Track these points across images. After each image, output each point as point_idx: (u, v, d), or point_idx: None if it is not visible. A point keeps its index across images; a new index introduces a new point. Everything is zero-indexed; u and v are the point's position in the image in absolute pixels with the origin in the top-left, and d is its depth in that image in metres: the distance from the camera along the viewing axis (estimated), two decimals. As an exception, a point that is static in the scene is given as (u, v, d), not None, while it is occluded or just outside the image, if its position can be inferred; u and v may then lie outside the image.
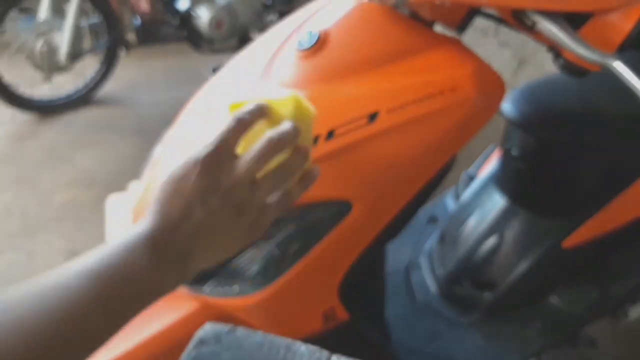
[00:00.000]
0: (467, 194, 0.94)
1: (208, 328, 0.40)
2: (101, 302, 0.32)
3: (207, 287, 0.59)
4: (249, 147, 0.36)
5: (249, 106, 0.37)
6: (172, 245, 0.34)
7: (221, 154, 0.35)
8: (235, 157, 0.36)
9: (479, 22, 0.63)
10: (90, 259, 0.33)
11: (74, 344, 0.31)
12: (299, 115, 0.38)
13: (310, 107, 0.39)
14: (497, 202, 0.87)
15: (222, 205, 0.35)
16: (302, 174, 0.39)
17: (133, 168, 1.85)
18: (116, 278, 0.32)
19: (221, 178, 0.35)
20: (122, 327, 0.33)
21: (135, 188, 0.74)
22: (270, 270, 0.57)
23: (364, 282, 0.65)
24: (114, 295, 0.32)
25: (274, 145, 0.36)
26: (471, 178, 0.99)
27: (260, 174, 0.36)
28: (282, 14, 2.13)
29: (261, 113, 0.37)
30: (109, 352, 0.61)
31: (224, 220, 0.35)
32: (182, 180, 0.35)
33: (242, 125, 0.36)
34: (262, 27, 2.16)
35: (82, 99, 2.17)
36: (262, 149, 0.35)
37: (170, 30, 2.19)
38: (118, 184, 1.67)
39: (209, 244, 0.35)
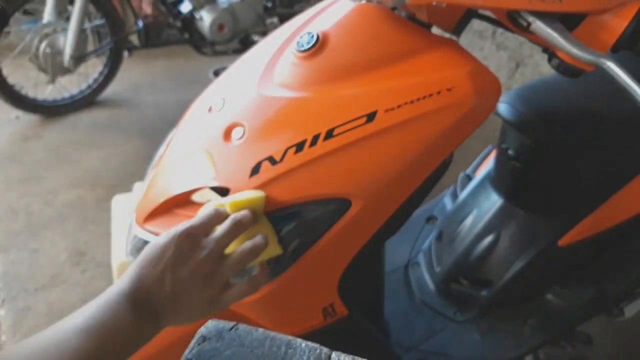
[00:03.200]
0: (465, 193, 0.95)
1: (210, 325, 0.41)
2: (93, 354, 0.37)
3: (209, 284, 0.60)
4: None
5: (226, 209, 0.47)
6: (147, 305, 0.41)
7: (197, 233, 0.43)
8: (205, 241, 0.44)
9: (476, 24, 0.64)
10: (80, 316, 0.38)
11: None
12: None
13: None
14: (494, 201, 0.88)
15: (190, 276, 0.42)
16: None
17: (137, 169, 1.88)
18: (103, 332, 0.38)
19: (194, 254, 0.42)
20: None
21: (140, 189, 0.75)
22: (271, 267, 0.58)
23: (363, 278, 0.66)
24: (103, 348, 0.37)
25: (249, 253, 0.45)
26: (469, 178, 1.00)
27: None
28: (283, 17, 2.14)
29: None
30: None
31: (190, 290, 0.42)
32: (161, 251, 0.42)
33: (217, 219, 0.45)
34: (263, 30, 2.18)
35: (85, 101, 2.19)
36: (240, 255, 0.44)
37: (173, 32, 2.21)
38: (122, 184, 1.69)
39: (176, 308, 0.42)
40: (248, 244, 0.46)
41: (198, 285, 0.42)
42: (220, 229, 0.45)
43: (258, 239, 0.47)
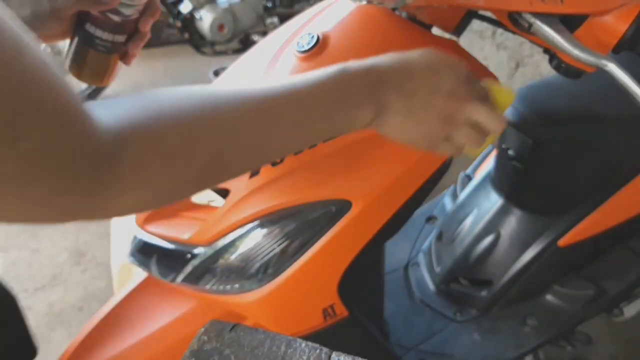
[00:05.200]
0: (465, 193, 0.96)
1: (210, 325, 0.41)
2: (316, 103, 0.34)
3: (209, 285, 0.60)
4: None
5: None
6: (383, 91, 0.37)
7: (467, 80, 0.40)
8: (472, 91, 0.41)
9: (476, 24, 0.64)
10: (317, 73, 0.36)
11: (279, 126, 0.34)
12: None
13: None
14: (494, 201, 0.88)
15: (436, 103, 0.39)
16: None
17: (136, 168, 1.85)
18: (337, 84, 0.36)
19: (454, 89, 0.39)
20: (310, 139, 0.37)
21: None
22: (271, 268, 0.58)
23: (363, 279, 0.66)
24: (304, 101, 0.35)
25: (492, 119, 0.41)
26: (469, 178, 1.00)
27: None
28: (283, 17, 2.14)
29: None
30: (113, 347, 0.62)
31: (424, 112, 0.39)
32: (431, 61, 0.39)
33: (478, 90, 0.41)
34: (263, 30, 2.18)
35: (87, 100, 2.19)
36: (486, 113, 0.40)
37: (173, 32, 2.21)
38: (121, 184, 1.69)
39: (402, 117, 0.39)
40: (490, 123, 0.42)
41: (433, 115, 0.39)
42: (484, 107, 0.41)
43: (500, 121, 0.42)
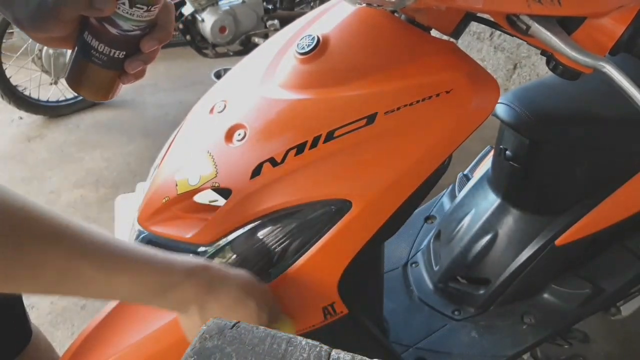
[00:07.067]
0: (463, 193, 0.96)
1: (212, 323, 0.41)
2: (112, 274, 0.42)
3: (211, 283, 0.61)
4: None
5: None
6: (194, 311, 0.47)
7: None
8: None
9: (474, 26, 0.65)
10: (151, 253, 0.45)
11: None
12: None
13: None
14: (491, 201, 0.89)
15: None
16: None
17: (139, 169, 1.89)
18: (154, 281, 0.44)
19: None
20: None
21: (142, 189, 0.76)
22: (272, 267, 0.59)
23: (363, 278, 0.67)
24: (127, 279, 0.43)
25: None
26: (467, 178, 1.01)
27: None
28: (283, 19, 2.15)
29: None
30: (116, 345, 0.63)
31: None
32: (245, 293, 0.49)
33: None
34: (264, 32, 2.19)
35: (88, 101, 2.20)
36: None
37: (175, 34, 2.22)
38: (124, 184, 1.70)
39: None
40: None
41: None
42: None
43: None
